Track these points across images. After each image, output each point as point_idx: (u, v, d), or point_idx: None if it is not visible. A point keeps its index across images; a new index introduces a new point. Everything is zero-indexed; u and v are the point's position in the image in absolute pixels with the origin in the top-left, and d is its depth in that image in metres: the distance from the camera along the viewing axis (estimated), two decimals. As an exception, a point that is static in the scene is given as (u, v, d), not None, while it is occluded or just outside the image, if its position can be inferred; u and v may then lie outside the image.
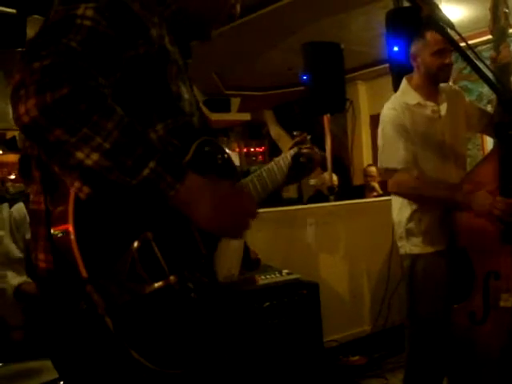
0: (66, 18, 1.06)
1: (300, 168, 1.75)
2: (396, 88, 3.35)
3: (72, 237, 1.01)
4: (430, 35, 2.44)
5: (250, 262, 1.41)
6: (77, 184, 1.02)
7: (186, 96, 1.30)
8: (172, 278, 1.10)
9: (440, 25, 1.43)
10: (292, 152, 1.74)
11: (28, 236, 2.67)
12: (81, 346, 1.13)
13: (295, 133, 1.85)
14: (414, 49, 2.58)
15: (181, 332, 1.14)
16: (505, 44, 2.37)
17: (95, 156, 0.99)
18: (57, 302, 1.15)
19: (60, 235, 1.04)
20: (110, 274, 1.03)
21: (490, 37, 2.47)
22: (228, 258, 1.31)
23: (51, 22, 1.08)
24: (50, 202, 1.12)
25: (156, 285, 1.08)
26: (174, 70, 1.25)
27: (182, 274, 1.13)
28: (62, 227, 1.03)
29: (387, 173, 2.57)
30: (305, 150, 1.76)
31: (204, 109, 1.61)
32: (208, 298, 1.22)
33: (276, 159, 1.69)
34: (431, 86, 2.59)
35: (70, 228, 1.02)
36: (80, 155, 0.98)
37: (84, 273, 1.00)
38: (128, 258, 1.04)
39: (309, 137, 1.83)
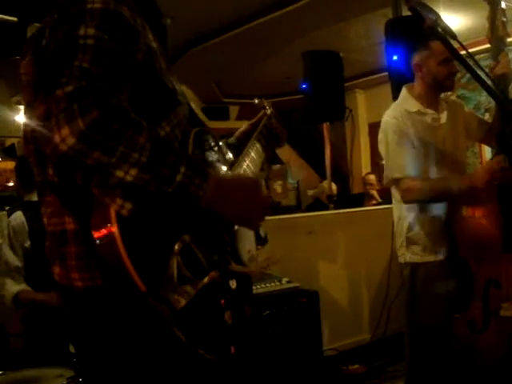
0: (69, 40, 1.06)
1: (273, 139, 1.79)
2: (395, 96, 3.36)
3: (119, 242, 1.02)
4: (436, 44, 2.41)
5: (260, 238, 1.46)
6: (118, 201, 1.04)
7: (177, 87, 1.32)
8: (213, 273, 1.16)
9: (442, 34, 1.44)
10: (264, 124, 1.76)
11: (26, 244, 2.67)
12: (146, 353, 1.15)
13: (256, 101, 1.86)
14: (417, 59, 2.56)
15: (227, 319, 1.20)
16: (503, 54, 2.37)
17: (134, 171, 1.01)
18: (109, 315, 1.16)
19: (105, 241, 1.05)
20: (165, 282, 1.05)
21: (487, 46, 2.46)
22: (246, 240, 1.36)
23: (55, 47, 1.08)
24: (79, 221, 1.14)
25: (204, 281, 1.13)
26: (163, 65, 1.26)
27: (221, 267, 1.19)
28: (106, 230, 1.04)
29: (394, 182, 2.55)
30: (275, 125, 1.79)
31: (203, 116, 1.64)
32: (243, 284, 1.28)
33: (255, 135, 1.70)
34: (433, 95, 2.59)
35: (115, 229, 1.03)
36: (120, 173, 1.01)
37: (143, 287, 1.02)
38: (174, 263, 1.07)
39: (269, 103, 1.85)
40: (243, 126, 1.83)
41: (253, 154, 1.61)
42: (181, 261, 1.08)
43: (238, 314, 1.25)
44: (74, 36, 1.06)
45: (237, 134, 1.81)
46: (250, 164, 1.55)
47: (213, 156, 1.36)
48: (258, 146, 1.66)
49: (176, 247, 1.08)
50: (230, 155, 1.49)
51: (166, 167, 1.04)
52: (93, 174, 1.02)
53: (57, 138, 0.98)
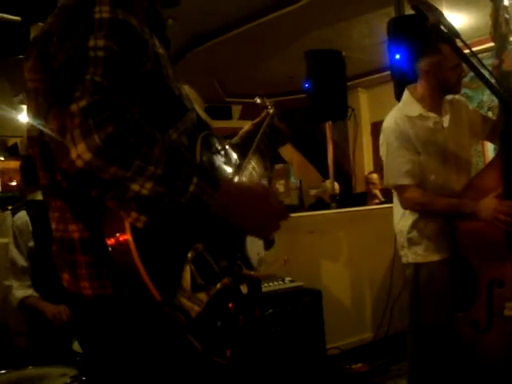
0: (79, 52, 1.05)
1: (276, 138, 1.79)
2: (398, 96, 3.36)
3: (133, 251, 1.02)
4: (447, 49, 2.34)
5: (268, 242, 1.46)
6: (133, 215, 1.04)
7: (183, 93, 1.32)
8: (226, 279, 1.16)
9: (446, 33, 1.43)
10: (267, 124, 1.76)
11: (30, 244, 2.67)
12: (160, 362, 1.15)
13: (258, 100, 1.85)
14: (426, 64, 2.50)
15: (238, 325, 1.21)
16: (507, 52, 2.35)
17: (149, 184, 1.02)
18: (119, 324, 1.16)
19: (119, 250, 1.05)
20: (179, 290, 1.06)
21: (490, 44, 2.45)
22: (254, 243, 1.36)
23: (65, 58, 1.07)
24: (89, 228, 1.14)
25: (217, 287, 1.13)
26: (169, 72, 1.26)
27: (233, 273, 1.19)
28: (121, 238, 1.05)
29: (396, 188, 2.58)
30: (277, 124, 1.79)
31: (206, 117, 1.65)
32: (253, 289, 1.29)
33: (259, 136, 1.70)
34: (437, 97, 2.56)
35: (129, 237, 1.03)
36: (135, 187, 1.01)
37: (158, 296, 1.02)
38: (187, 271, 1.08)
39: (271, 101, 1.85)
40: (246, 125, 1.83)
41: (258, 155, 1.61)
42: (194, 269, 1.08)
43: (250, 318, 1.25)
44: (84, 48, 1.05)
45: (240, 133, 1.81)
46: (255, 166, 1.56)
47: (220, 160, 1.36)
48: (262, 146, 1.66)
49: (189, 255, 1.09)
50: (235, 158, 1.49)
51: (179, 178, 1.04)
52: (109, 188, 1.03)
53: (73, 154, 0.98)
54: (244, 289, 1.23)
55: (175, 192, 1.04)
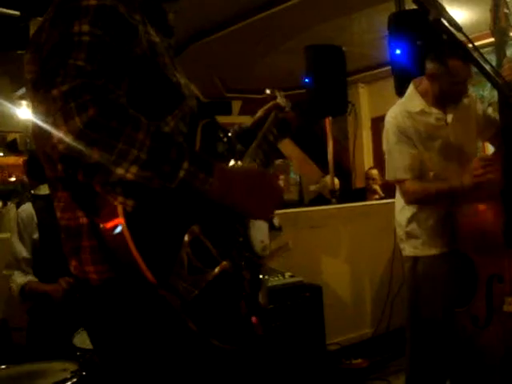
0: (64, 38, 1.06)
1: (284, 127, 1.76)
2: (398, 90, 3.36)
3: (126, 233, 1.02)
4: (453, 63, 2.37)
5: (274, 228, 1.45)
6: (120, 199, 1.04)
7: (182, 81, 1.32)
8: (225, 263, 1.15)
9: (447, 28, 1.43)
10: (274, 115, 1.74)
11: (35, 236, 2.67)
12: (160, 344, 1.16)
13: (268, 91, 1.84)
14: (431, 68, 2.49)
15: (240, 309, 1.21)
16: (506, 59, 2.33)
17: (134, 169, 1.01)
18: (122, 307, 1.17)
19: (113, 233, 1.04)
20: (175, 273, 1.05)
21: (491, 39, 2.44)
22: (259, 231, 1.36)
23: (51, 45, 1.08)
24: (90, 215, 1.14)
25: (215, 271, 1.13)
26: (166, 60, 1.26)
27: (232, 257, 1.19)
28: (113, 222, 1.04)
29: (397, 183, 2.59)
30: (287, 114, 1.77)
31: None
32: (255, 273, 1.29)
33: (267, 124, 1.69)
34: (440, 97, 2.53)
35: (122, 221, 1.03)
36: (120, 171, 1.01)
37: (151, 278, 1.03)
38: (183, 254, 1.07)
39: (282, 93, 1.84)
40: (258, 112, 1.81)
41: (262, 143, 1.59)
42: (190, 251, 1.08)
43: (252, 303, 1.25)
44: (69, 33, 1.06)
45: (253, 120, 1.80)
46: (260, 153, 1.54)
47: (222, 147, 1.36)
48: (268, 135, 1.64)
49: (186, 238, 1.08)
50: (239, 146, 1.49)
51: (167, 164, 1.04)
52: (94, 171, 1.02)
53: (55, 138, 0.98)
54: (247, 274, 1.23)
55: (163, 177, 1.04)
